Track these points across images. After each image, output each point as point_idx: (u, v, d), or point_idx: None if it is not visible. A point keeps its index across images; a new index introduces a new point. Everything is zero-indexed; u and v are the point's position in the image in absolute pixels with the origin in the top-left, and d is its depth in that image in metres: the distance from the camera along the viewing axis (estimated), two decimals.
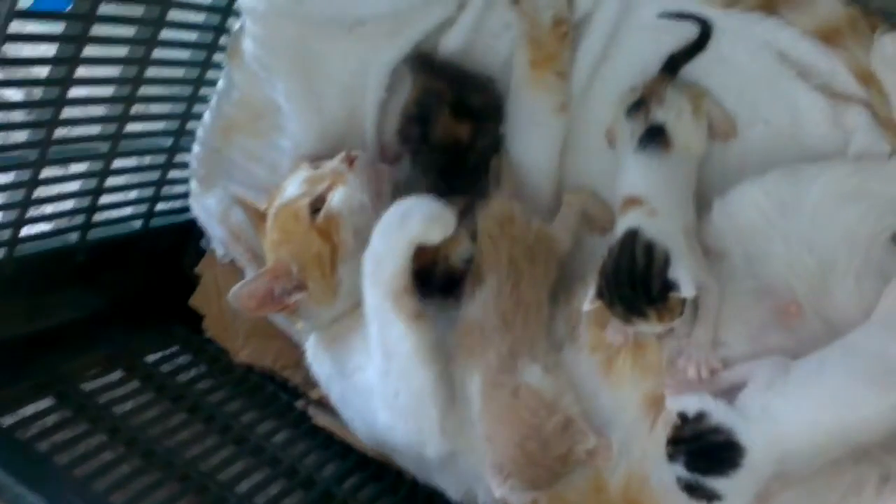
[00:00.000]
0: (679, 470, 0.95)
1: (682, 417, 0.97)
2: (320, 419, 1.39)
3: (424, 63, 1.28)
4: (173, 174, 1.45)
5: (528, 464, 1.01)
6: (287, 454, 1.30)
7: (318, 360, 1.25)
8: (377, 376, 1.10)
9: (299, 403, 1.43)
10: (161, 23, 1.26)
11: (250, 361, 1.47)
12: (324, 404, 1.39)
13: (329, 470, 1.31)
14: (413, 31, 1.27)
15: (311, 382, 1.36)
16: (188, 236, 1.53)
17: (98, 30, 1.17)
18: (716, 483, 0.93)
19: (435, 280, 1.17)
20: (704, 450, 0.95)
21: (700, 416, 0.96)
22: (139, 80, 1.28)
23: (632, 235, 1.05)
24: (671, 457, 0.97)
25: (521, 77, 1.24)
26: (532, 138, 1.26)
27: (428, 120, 1.25)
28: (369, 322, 1.10)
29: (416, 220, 1.06)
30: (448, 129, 1.21)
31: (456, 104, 1.24)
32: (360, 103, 1.31)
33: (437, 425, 1.09)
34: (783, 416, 0.94)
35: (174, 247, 1.54)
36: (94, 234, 1.36)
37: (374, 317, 1.09)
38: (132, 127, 1.32)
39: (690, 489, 0.95)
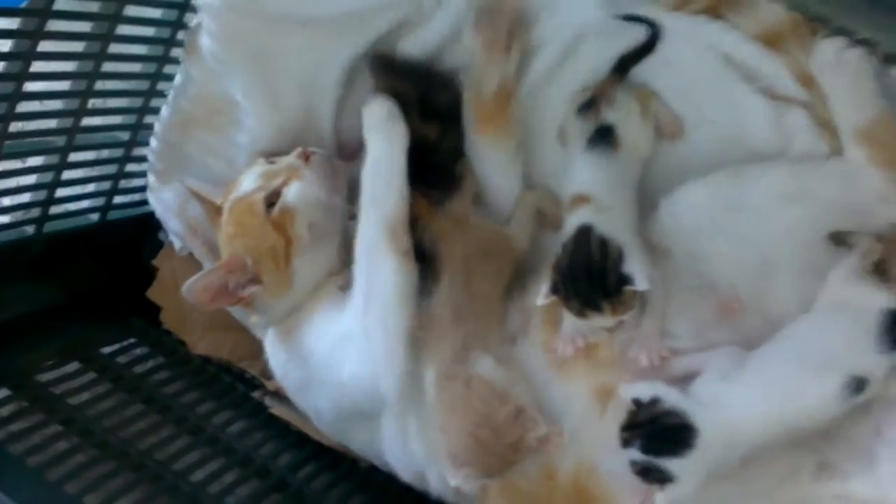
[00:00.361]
0: (634, 454, 0.98)
1: (637, 403, 1.00)
2: (277, 409, 1.41)
3: (385, 64, 1.28)
4: (131, 167, 1.45)
5: (481, 452, 1.04)
6: (243, 444, 1.32)
7: (275, 353, 1.26)
8: (353, 318, 1.12)
9: (256, 394, 1.45)
10: (117, 18, 1.26)
11: (208, 353, 1.49)
12: (280, 395, 1.40)
13: (285, 459, 1.33)
14: (370, 30, 1.28)
15: (269, 374, 1.37)
16: (147, 228, 1.53)
17: (54, 25, 1.18)
18: (669, 464, 0.96)
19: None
20: (659, 432, 0.97)
21: (654, 401, 0.99)
22: (95, 75, 1.28)
23: (586, 231, 1.07)
24: (626, 442, 0.99)
25: (470, 127, 1.25)
26: (490, 173, 1.27)
27: None
28: (358, 257, 1.13)
29: (381, 125, 1.14)
30: (415, 131, 1.20)
31: (422, 106, 1.23)
32: (317, 100, 1.32)
33: (401, 368, 1.10)
34: (733, 402, 0.98)
35: (133, 239, 1.54)
36: (50, 226, 1.37)
37: (364, 251, 1.12)
38: (89, 121, 1.33)
39: (645, 472, 0.98)
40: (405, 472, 1.21)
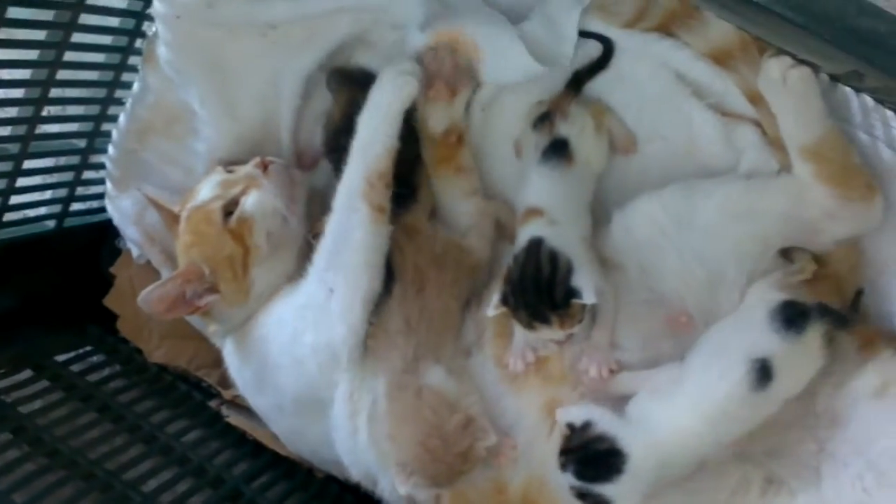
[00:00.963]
0: (570, 479, 0.99)
1: (571, 428, 1.01)
2: (234, 418, 1.41)
3: (343, 76, 1.29)
4: (89, 175, 1.45)
5: (430, 461, 1.05)
6: (197, 453, 1.32)
7: (233, 358, 1.26)
8: (315, 278, 1.14)
9: (213, 403, 1.45)
10: (73, 26, 1.26)
11: (165, 362, 1.49)
12: (238, 404, 1.41)
13: (239, 469, 1.33)
14: (325, 41, 1.29)
15: (226, 383, 1.38)
16: (104, 236, 1.52)
17: (7, 33, 1.18)
18: (603, 489, 0.98)
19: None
20: (590, 458, 0.99)
21: (586, 426, 1.00)
22: (50, 83, 1.28)
23: (536, 244, 1.09)
24: (563, 466, 1.00)
25: (428, 165, 1.26)
26: (449, 202, 1.28)
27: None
28: (333, 211, 1.14)
29: (389, 83, 1.14)
30: None
31: None
32: (275, 109, 1.33)
33: (355, 334, 1.11)
34: (657, 420, 0.99)
35: (90, 246, 1.53)
36: (4, 233, 1.36)
37: (340, 203, 1.13)
38: (46, 128, 1.33)
39: (582, 496, 1.00)
40: (355, 468, 1.20)
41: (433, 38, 1.23)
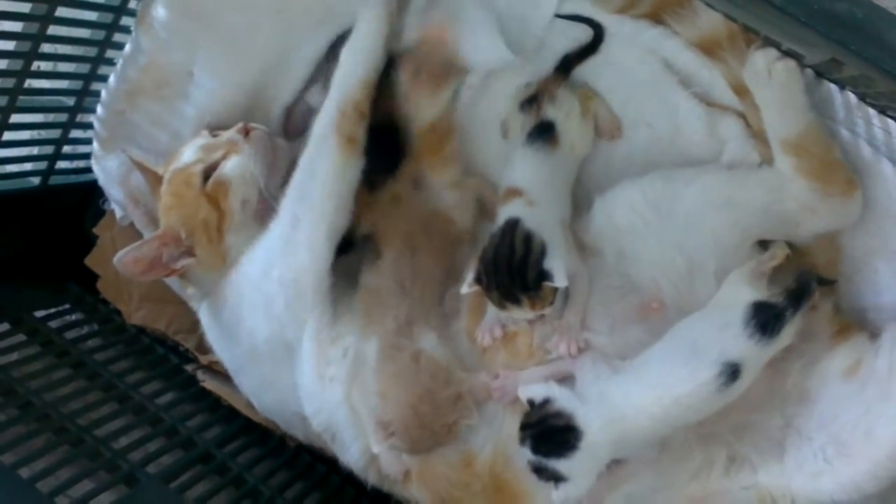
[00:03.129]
0: (527, 453, 1.01)
1: (531, 404, 1.03)
2: (209, 383, 1.42)
3: None
4: (77, 134, 1.45)
5: (416, 426, 1.06)
6: (170, 415, 1.33)
7: (209, 321, 1.27)
8: (284, 212, 1.15)
9: (189, 367, 1.46)
10: None
11: (144, 324, 1.49)
12: (213, 369, 1.42)
13: (212, 433, 1.34)
14: (339, 24, 1.28)
15: (204, 348, 1.39)
16: (90, 196, 1.53)
17: None
18: (558, 464, 0.99)
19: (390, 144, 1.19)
20: (546, 433, 1.00)
21: (545, 402, 1.02)
22: (41, 38, 1.27)
23: (512, 225, 1.09)
24: (521, 441, 1.02)
25: (415, 156, 1.25)
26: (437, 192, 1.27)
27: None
28: (308, 140, 1.15)
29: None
30: (387, 107, 1.21)
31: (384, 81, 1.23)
32: (275, 83, 1.33)
33: (322, 264, 1.13)
34: (616, 399, 1.01)
35: (75, 205, 1.54)
36: None
37: (315, 131, 1.15)
38: (34, 83, 1.33)
39: (538, 471, 1.01)
40: (317, 417, 1.19)
41: (421, 33, 1.23)
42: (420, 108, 1.23)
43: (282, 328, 1.17)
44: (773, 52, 1.05)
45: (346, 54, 1.16)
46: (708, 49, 1.19)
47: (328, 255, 1.13)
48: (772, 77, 1.06)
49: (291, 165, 1.24)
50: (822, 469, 0.99)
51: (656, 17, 1.22)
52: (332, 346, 1.15)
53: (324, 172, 1.13)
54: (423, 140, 1.25)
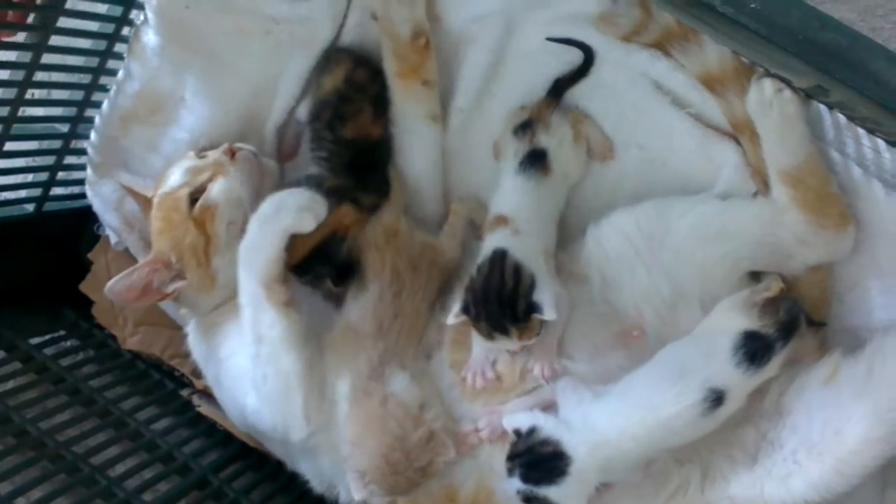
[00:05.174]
0: (517, 483, 1.01)
1: (517, 434, 1.04)
2: (204, 408, 1.41)
3: (348, 53, 1.30)
4: (71, 160, 1.45)
5: (390, 473, 1.07)
6: (166, 441, 1.33)
7: (195, 344, 1.28)
8: (248, 360, 1.14)
9: (185, 392, 1.46)
10: (59, 10, 1.27)
11: (139, 349, 1.49)
12: (208, 394, 1.41)
13: (209, 458, 1.34)
14: (326, 42, 1.31)
15: (199, 373, 1.38)
16: (84, 221, 1.52)
17: None
18: (549, 492, 1.00)
19: (336, 257, 1.19)
20: (535, 462, 1.01)
21: (531, 431, 1.02)
22: (35, 66, 1.28)
23: (501, 256, 1.10)
24: (510, 471, 1.02)
25: (392, 86, 1.26)
26: (408, 146, 1.29)
27: (343, 116, 1.25)
28: (243, 307, 1.14)
29: (290, 210, 1.11)
30: (364, 129, 1.23)
31: (376, 102, 1.26)
32: (266, 105, 1.34)
33: (301, 411, 1.13)
34: (599, 424, 1.01)
35: (70, 231, 1.54)
36: None
37: (247, 302, 1.13)
38: (29, 111, 1.33)
39: (528, 500, 1.01)
40: (317, 481, 1.22)
41: None
42: (397, 17, 1.22)
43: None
44: (776, 83, 1.05)
45: (257, 229, 1.13)
46: (710, 84, 1.18)
47: (303, 391, 1.13)
48: (774, 107, 1.06)
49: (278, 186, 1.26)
50: (791, 471, 0.99)
51: (661, 48, 1.21)
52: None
53: (276, 337, 1.12)
54: (405, 56, 1.24)
